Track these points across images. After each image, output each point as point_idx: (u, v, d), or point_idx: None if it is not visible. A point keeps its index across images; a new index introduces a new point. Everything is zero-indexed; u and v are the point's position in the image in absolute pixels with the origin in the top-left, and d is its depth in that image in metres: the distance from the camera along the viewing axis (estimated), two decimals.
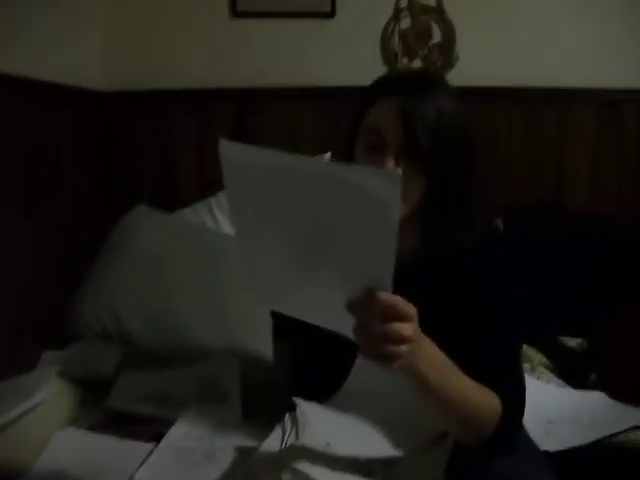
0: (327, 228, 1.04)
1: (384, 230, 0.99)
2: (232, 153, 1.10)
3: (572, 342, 2.14)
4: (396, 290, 1.05)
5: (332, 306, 1.06)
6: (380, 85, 1.37)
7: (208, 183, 2.67)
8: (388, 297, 1.03)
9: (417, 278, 1.26)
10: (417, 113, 1.25)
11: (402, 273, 1.05)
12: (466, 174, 1.34)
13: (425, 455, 1.24)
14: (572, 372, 2.00)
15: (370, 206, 0.97)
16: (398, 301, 1.04)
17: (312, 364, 1.46)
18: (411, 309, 1.06)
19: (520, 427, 1.31)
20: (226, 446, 1.51)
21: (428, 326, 1.12)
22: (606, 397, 1.78)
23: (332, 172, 1.02)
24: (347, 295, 1.04)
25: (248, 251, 1.18)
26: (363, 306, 1.03)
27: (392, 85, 1.33)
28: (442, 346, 1.18)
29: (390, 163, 1.26)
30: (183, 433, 1.59)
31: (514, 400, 1.26)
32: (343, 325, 1.06)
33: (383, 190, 0.95)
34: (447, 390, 1.16)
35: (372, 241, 1.00)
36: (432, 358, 1.14)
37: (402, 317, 1.04)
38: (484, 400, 1.22)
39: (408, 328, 1.04)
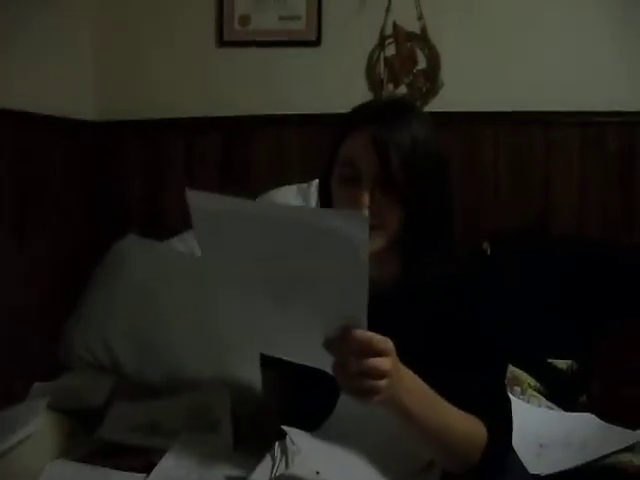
0: (299, 270, 1.05)
1: (355, 269, 1.00)
2: (200, 202, 1.12)
3: (561, 364, 2.14)
4: (376, 319, 1.06)
5: (311, 344, 1.07)
6: (354, 115, 1.35)
7: None
8: (363, 334, 1.04)
9: (398, 306, 1.29)
10: (391, 142, 1.25)
11: (382, 302, 1.09)
12: (443, 201, 1.34)
13: None
14: (561, 394, 2.00)
15: (339, 247, 0.99)
16: (373, 337, 1.05)
17: (300, 392, 1.46)
18: (388, 344, 1.07)
19: (507, 453, 1.29)
20: (216, 476, 1.51)
21: (409, 354, 1.12)
22: (596, 419, 1.78)
23: (298, 217, 1.04)
24: (324, 333, 1.06)
25: (228, 299, 1.21)
26: (339, 344, 1.04)
27: (365, 115, 1.32)
28: (424, 374, 1.17)
29: (365, 199, 1.25)
30: (173, 463, 1.58)
31: (500, 426, 1.25)
32: (324, 362, 1.08)
33: (351, 232, 0.97)
34: (430, 420, 1.16)
35: (344, 280, 1.02)
36: (413, 389, 1.14)
37: (379, 352, 1.05)
38: (469, 428, 1.21)
39: (386, 362, 1.05)
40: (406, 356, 1.12)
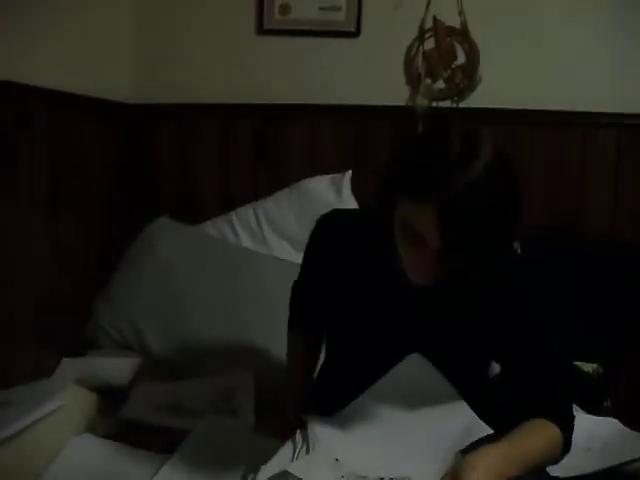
0: None
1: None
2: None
3: (587, 367, 2.13)
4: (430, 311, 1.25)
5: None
6: (422, 181, 1.19)
7: (229, 197, 2.70)
8: None
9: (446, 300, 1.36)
10: (459, 224, 1.16)
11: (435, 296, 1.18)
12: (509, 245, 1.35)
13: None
14: (586, 397, 1.99)
15: None
16: None
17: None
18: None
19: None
20: (237, 460, 1.53)
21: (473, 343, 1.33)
22: (619, 424, 1.76)
23: None
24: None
25: None
26: None
27: (435, 187, 1.16)
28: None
29: (427, 267, 1.24)
30: (195, 446, 1.61)
31: (566, 421, 1.36)
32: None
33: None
34: (527, 466, 1.25)
35: None
36: (502, 470, 1.21)
37: None
38: (550, 443, 1.32)
39: None
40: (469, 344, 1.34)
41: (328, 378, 1.65)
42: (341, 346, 1.58)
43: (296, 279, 1.70)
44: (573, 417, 1.38)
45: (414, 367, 1.40)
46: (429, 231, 1.18)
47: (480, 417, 1.36)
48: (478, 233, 1.17)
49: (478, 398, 1.41)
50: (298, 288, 1.71)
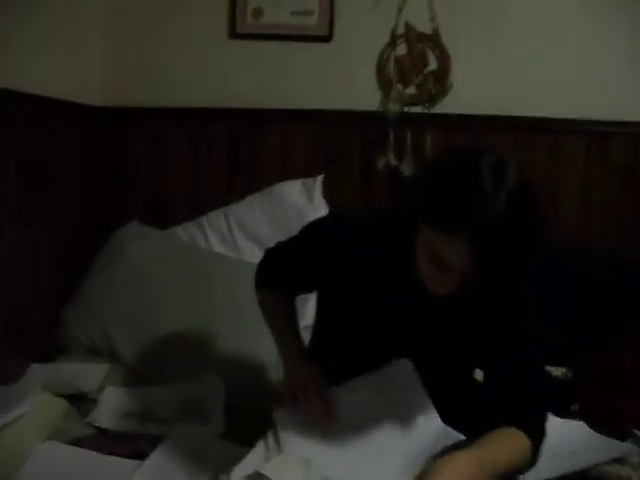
0: None
1: None
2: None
3: (556, 371, 2.15)
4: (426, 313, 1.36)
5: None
6: (455, 212, 1.19)
7: (200, 201, 2.69)
8: None
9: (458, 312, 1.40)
10: (489, 255, 1.18)
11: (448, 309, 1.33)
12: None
13: None
14: (555, 402, 2.00)
15: None
16: None
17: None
18: None
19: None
20: (209, 465, 1.53)
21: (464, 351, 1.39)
22: (586, 428, 1.77)
23: None
24: None
25: None
26: None
27: (468, 220, 1.17)
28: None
29: (451, 287, 1.26)
30: (166, 453, 1.60)
31: (537, 433, 1.39)
32: None
33: None
34: (497, 473, 1.28)
35: None
36: (471, 476, 1.22)
37: None
38: (518, 452, 1.35)
39: None
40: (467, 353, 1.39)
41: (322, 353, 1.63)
42: (336, 334, 1.56)
43: (274, 246, 1.69)
44: (545, 431, 1.41)
45: (398, 373, 1.41)
46: (457, 260, 1.20)
47: (464, 423, 1.38)
48: (504, 262, 1.19)
49: (463, 403, 1.44)
50: (277, 256, 1.68)
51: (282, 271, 1.65)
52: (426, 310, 1.40)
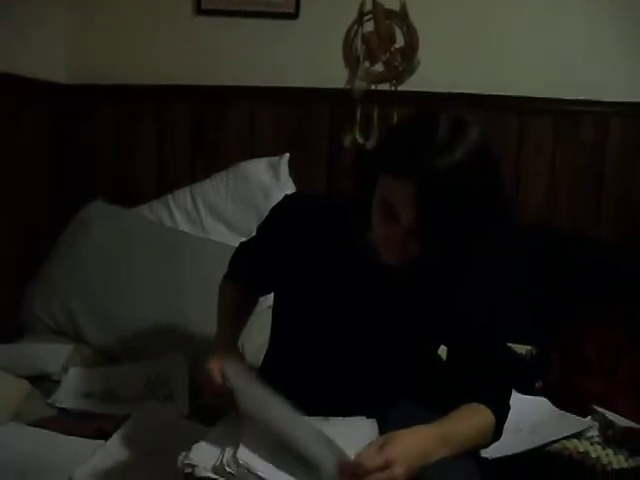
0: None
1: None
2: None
3: (520, 349, 2.16)
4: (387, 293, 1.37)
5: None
6: (403, 156, 1.21)
7: (166, 180, 2.67)
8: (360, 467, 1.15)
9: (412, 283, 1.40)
10: (435, 202, 1.18)
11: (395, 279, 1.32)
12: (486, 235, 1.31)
13: None
14: (519, 378, 2.02)
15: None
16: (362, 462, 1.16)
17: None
18: (384, 456, 1.17)
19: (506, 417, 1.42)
20: (172, 444, 1.52)
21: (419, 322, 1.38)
22: (549, 404, 1.80)
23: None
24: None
25: None
26: None
27: (415, 162, 1.19)
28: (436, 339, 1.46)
29: (398, 242, 1.25)
30: (129, 433, 1.59)
31: (501, 409, 1.39)
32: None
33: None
34: (458, 448, 1.28)
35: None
36: (428, 447, 1.24)
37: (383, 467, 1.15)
38: (481, 427, 1.35)
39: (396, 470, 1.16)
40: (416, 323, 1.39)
41: (274, 360, 1.63)
42: (290, 325, 1.56)
43: (245, 240, 1.71)
44: (508, 407, 1.41)
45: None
46: (404, 207, 1.21)
47: (428, 400, 1.39)
48: (451, 215, 1.19)
49: (428, 381, 1.46)
50: (245, 248, 1.69)
51: (244, 264, 1.67)
52: (384, 288, 1.40)
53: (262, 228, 1.62)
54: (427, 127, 1.22)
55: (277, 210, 1.58)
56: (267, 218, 1.60)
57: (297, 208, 1.54)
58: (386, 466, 1.15)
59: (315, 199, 1.59)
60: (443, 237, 1.23)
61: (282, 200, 1.59)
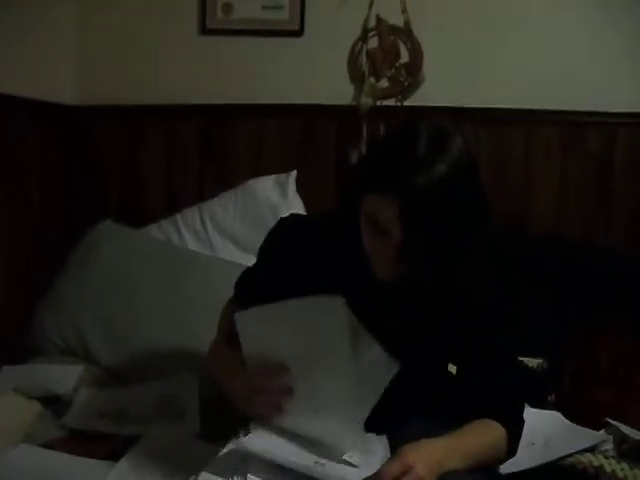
0: None
1: None
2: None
3: (532, 362, 2.15)
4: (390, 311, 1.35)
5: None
6: (386, 175, 1.22)
7: (175, 199, 2.68)
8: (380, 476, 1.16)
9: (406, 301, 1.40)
10: (419, 221, 1.19)
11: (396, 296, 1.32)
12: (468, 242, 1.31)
13: None
14: (531, 392, 2.01)
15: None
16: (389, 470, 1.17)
17: None
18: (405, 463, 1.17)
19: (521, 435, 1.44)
20: (183, 465, 1.51)
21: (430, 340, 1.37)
22: (562, 417, 1.78)
23: None
24: None
25: None
26: None
27: (398, 182, 1.20)
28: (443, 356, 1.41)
29: (389, 258, 1.26)
30: (140, 454, 1.59)
31: (514, 425, 1.41)
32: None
33: None
34: (470, 462, 1.29)
35: None
36: (446, 457, 1.24)
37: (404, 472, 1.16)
38: (497, 442, 1.37)
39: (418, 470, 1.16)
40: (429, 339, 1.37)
41: None
42: None
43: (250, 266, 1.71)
44: (522, 422, 1.42)
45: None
46: (392, 224, 1.22)
47: (439, 416, 1.38)
48: (437, 230, 1.20)
49: (438, 398, 1.43)
50: (248, 275, 1.69)
51: (247, 290, 1.67)
52: (385, 304, 1.39)
53: (260, 254, 1.62)
54: (406, 142, 1.23)
55: (272, 235, 1.59)
56: (264, 244, 1.61)
57: (292, 230, 1.55)
58: (407, 471, 1.16)
59: (310, 219, 1.62)
60: (431, 251, 1.23)
61: (277, 224, 1.60)
